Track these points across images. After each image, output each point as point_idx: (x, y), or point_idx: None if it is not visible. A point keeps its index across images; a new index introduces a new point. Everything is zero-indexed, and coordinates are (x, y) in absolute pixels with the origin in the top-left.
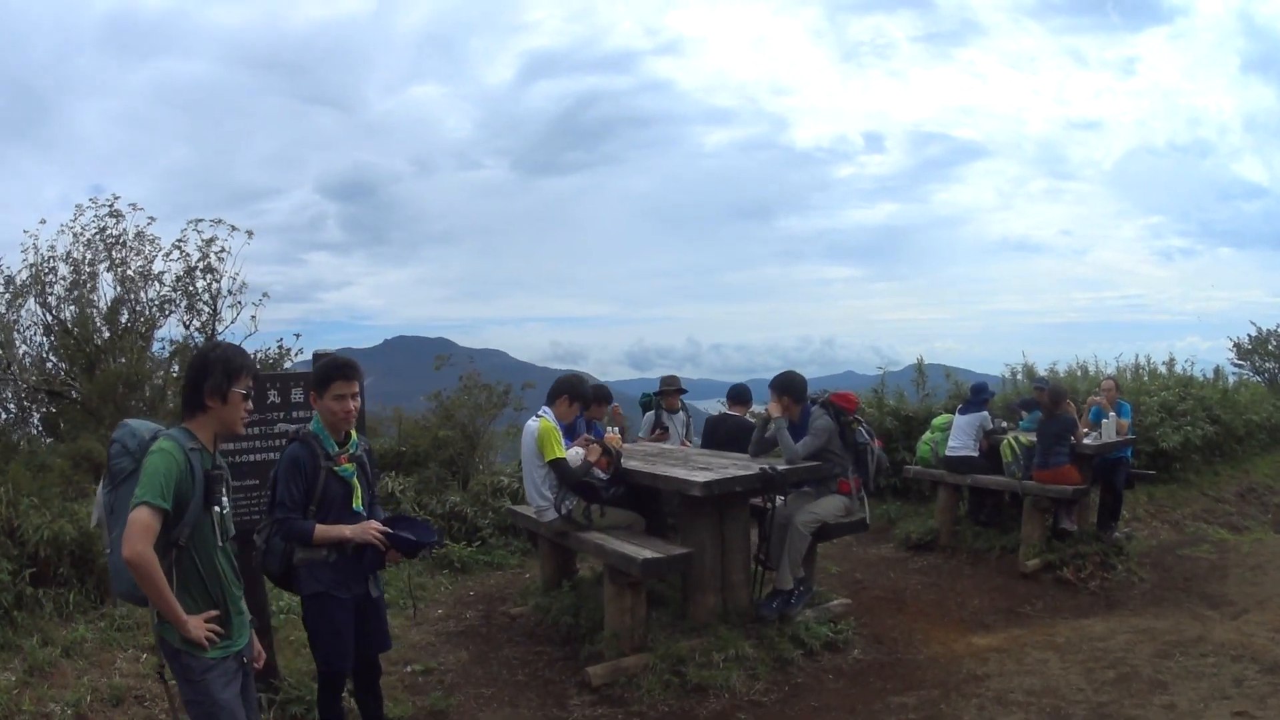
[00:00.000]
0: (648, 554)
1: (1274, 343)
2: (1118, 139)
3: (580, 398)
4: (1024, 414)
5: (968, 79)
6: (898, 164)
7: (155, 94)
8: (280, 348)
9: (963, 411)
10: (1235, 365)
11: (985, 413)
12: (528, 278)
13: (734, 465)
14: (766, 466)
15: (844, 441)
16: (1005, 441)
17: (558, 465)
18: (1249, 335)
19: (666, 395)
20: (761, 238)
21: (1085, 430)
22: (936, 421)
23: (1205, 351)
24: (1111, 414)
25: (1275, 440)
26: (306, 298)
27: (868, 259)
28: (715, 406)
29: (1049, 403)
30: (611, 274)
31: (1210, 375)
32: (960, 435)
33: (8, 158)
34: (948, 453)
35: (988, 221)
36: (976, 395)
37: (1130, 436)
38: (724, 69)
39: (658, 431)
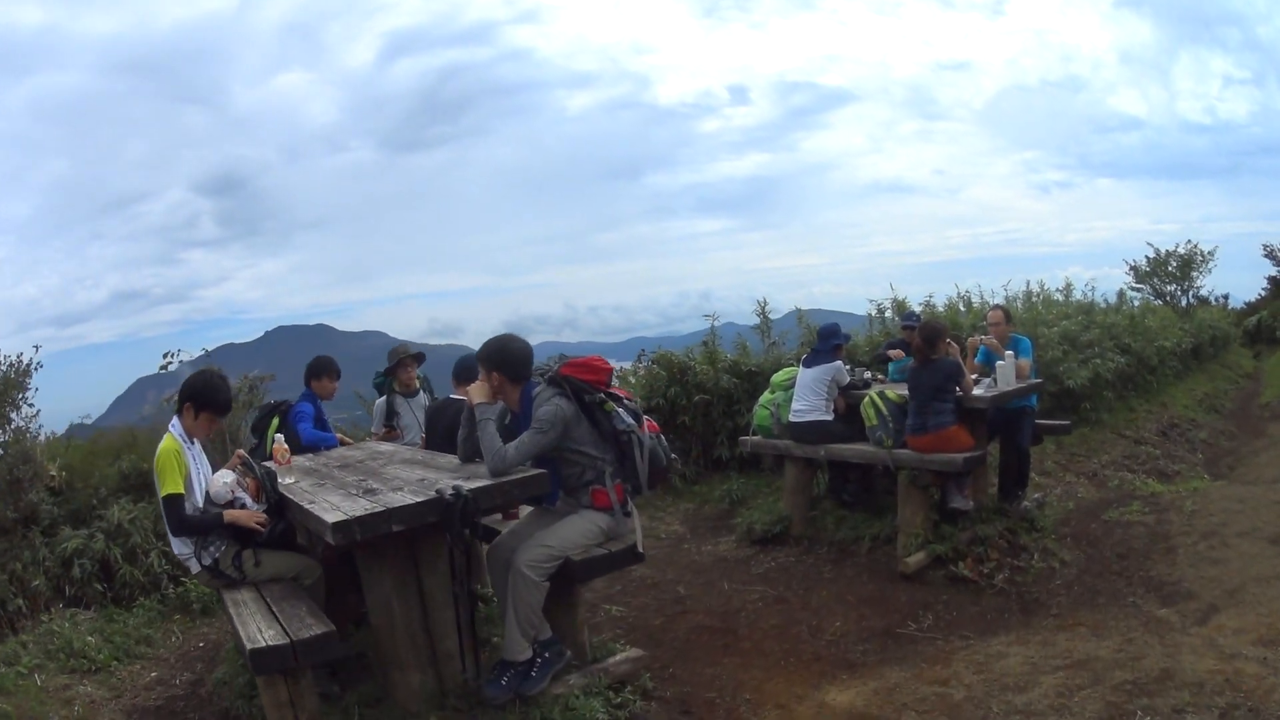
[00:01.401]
0: (266, 639)
1: (1174, 264)
2: (988, 78)
3: (210, 405)
4: (890, 359)
5: (832, 26)
6: (764, 115)
7: (34, 110)
8: None
9: (808, 363)
10: (1133, 289)
11: (838, 362)
12: (402, 256)
13: (412, 486)
14: (449, 487)
15: (598, 431)
16: (866, 399)
17: (168, 506)
18: (1146, 258)
19: (398, 372)
20: (631, 196)
21: (975, 377)
22: (777, 378)
23: (1090, 282)
24: (1008, 354)
25: (1188, 368)
26: (186, 297)
27: (739, 210)
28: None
29: (922, 344)
30: (484, 245)
31: (1111, 301)
32: (807, 394)
33: None
34: (792, 417)
35: (858, 166)
36: (825, 341)
37: (1034, 380)
38: (584, 32)
39: (385, 429)
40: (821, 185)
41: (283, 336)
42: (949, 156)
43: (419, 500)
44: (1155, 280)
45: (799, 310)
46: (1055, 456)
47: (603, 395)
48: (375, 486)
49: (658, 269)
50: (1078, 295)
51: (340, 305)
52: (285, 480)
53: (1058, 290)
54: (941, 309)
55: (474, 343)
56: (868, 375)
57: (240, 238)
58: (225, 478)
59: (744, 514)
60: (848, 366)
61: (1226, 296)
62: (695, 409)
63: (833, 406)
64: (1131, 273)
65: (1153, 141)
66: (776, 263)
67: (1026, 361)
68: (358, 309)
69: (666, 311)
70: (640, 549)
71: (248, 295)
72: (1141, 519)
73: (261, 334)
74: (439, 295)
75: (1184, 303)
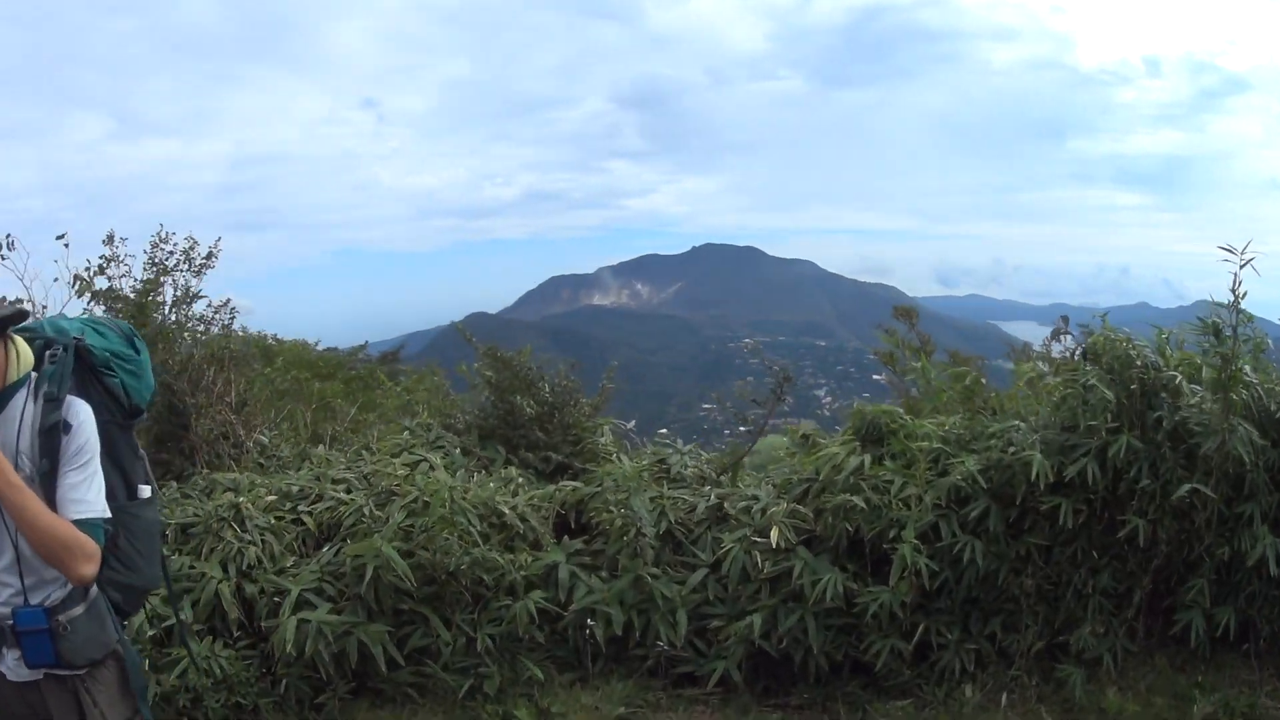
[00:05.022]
0: None
1: None
2: None
3: None
4: None
5: (1229, 5)
6: (1175, 91)
7: (420, 11)
8: None
9: None
10: None
11: None
12: (831, 190)
13: None
14: None
15: None
16: None
17: None
18: None
19: None
20: (1054, 159)
21: None
22: None
23: None
24: None
25: None
26: (606, 204)
27: (1153, 187)
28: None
29: None
30: (913, 188)
31: None
32: None
33: (254, 77)
34: None
35: (1257, 157)
36: None
37: None
38: None
39: None
40: (1225, 173)
41: (710, 253)
42: None
43: None
44: None
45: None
46: None
47: None
48: None
49: (1078, 237)
50: None
51: (769, 230)
52: None
53: None
54: None
55: (903, 285)
56: None
57: (664, 153)
58: None
59: None
60: None
61: None
62: (1157, 505)
63: None
64: None
65: None
66: (1187, 247)
67: None
68: (787, 236)
69: (1085, 281)
70: None
71: (673, 209)
72: None
73: (689, 248)
74: (868, 233)
75: None
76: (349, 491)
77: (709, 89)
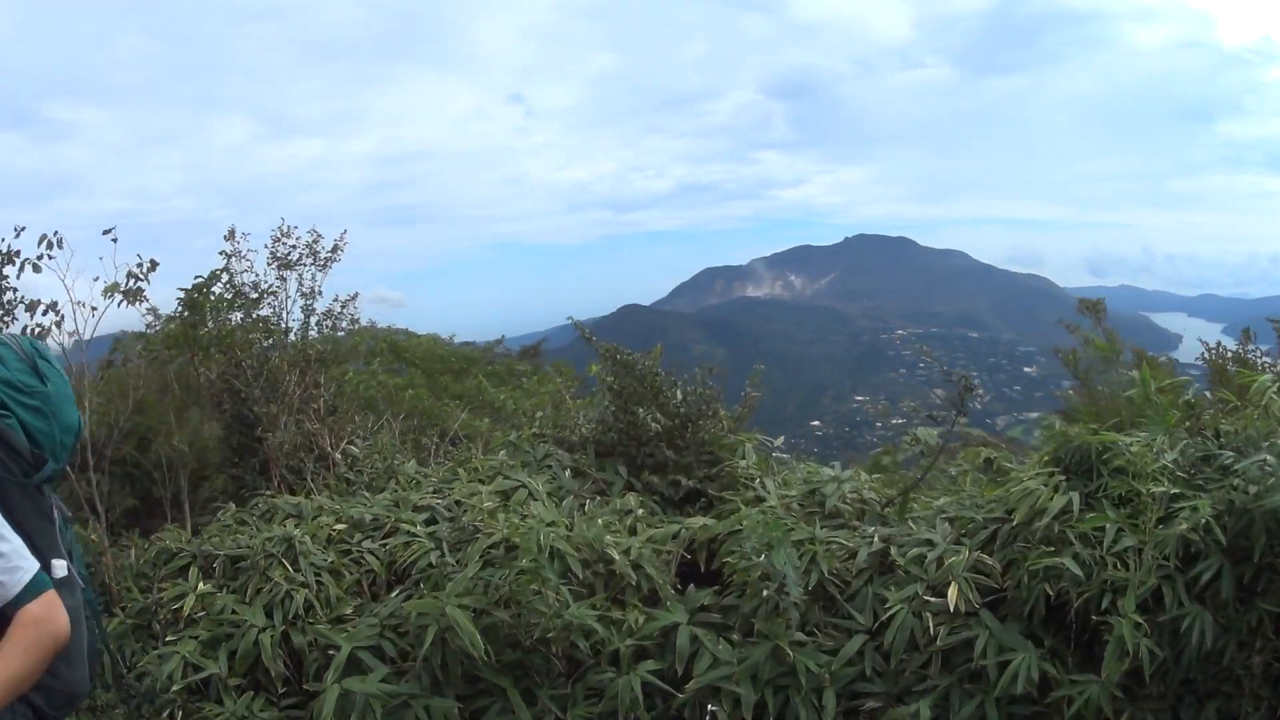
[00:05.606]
0: None
1: None
2: None
3: None
4: None
5: None
6: None
7: (565, 8)
8: None
9: None
10: None
11: None
12: (982, 179)
13: None
14: None
15: None
16: None
17: None
18: None
19: None
20: (1204, 143)
21: None
22: None
23: None
24: None
25: None
26: (759, 195)
27: None
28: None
29: None
30: (1063, 176)
31: None
32: None
33: (398, 76)
34: None
35: None
36: None
37: None
38: None
39: None
40: None
41: (863, 244)
42: None
43: None
44: None
45: None
46: None
47: None
48: None
49: (1229, 224)
50: None
51: (921, 220)
52: None
53: None
54: None
55: (1054, 275)
56: None
57: (815, 143)
58: None
59: None
60: None
61: None
62: None
63: None
64: None
65: None
66: None
67: None
68: (939, 226)
69: (1236, 271)
70: None
71: (826, 200)
72: None
73: (841, 239)
74: (1019, 222)
75: None
76: (432, 523)
77: (857, 78)
